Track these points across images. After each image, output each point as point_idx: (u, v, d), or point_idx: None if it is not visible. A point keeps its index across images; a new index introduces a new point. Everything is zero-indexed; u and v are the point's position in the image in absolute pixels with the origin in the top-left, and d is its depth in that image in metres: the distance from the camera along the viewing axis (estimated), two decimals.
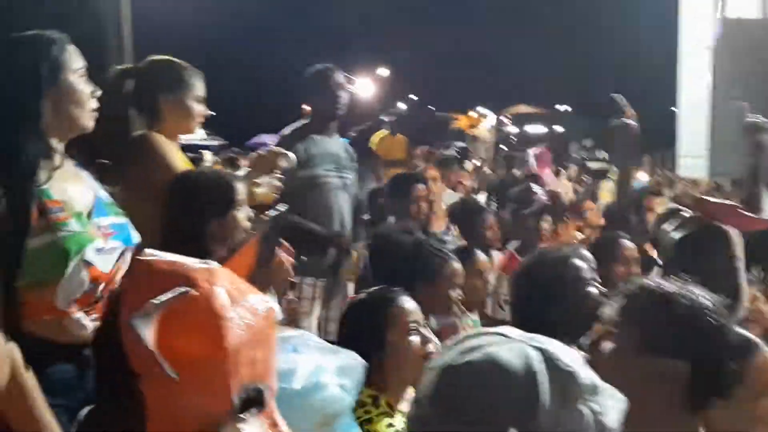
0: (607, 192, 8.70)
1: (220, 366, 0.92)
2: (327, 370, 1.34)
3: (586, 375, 0.91)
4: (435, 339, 1.98)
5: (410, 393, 1.99)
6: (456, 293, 2.60)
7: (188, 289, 0.92)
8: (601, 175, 9.74)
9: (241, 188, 2.19)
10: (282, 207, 2.24)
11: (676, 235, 2.41)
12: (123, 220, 1.89)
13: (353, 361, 1.42)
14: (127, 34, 9.11)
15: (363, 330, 1.89)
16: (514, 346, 0.90)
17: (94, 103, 1.82)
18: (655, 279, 1.45)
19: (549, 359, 0.89)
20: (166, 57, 2.58)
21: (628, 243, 3.51)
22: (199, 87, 2.55)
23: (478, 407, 0.86)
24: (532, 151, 8.64)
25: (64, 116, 1.76)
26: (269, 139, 3.32)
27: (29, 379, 1.46)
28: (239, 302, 0.96)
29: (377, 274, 2.62)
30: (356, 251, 3.68)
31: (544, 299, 2.08)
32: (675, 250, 2.40)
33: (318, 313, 3.52)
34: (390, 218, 3.90)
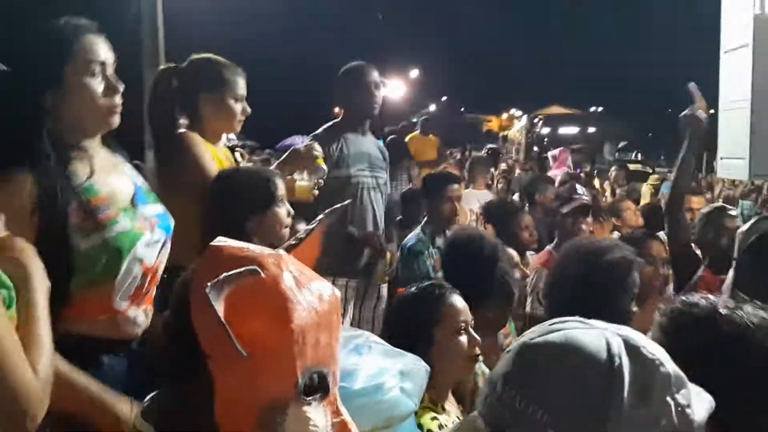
0: (645, 193, 8.62)
1: (286, 347, 0.93)
2: (389, 372, 1.33)
3: (672, 367, 0.87)
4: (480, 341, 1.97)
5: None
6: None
7: (256, 267, 0.94)
8: (639, 176, 9.62)
9: (281, 185, 2.19)
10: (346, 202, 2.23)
11: (752, 235, 2.42)
12: (161, 208, 1.87)
13: (416, 365, 1.40)
14: (161, 36, 9.28)
15: (412, 325, 1.88)
16: (596, 332, 0.87)
17: (116, 99, 1.75)
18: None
19: (632, 347, 0.86)
20: (207, 55, 2.55)
21: (656, 243, 3.47)
22: (240, 85, 2.52)
23: (554, 387, 0.83)
24: (550, 153, 8.81)
25: (76, 113, 1.69)
26: (301, 141, 3.28)
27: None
28: (305, 286, 0.98)
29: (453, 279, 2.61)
30: (389, 252, 3.66)
31: (576, 291, 2.06)
32: (753, 249, 2.39)
33: (351, 314, 3.50)
34: (423, 218, 3.88)
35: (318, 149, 2.78)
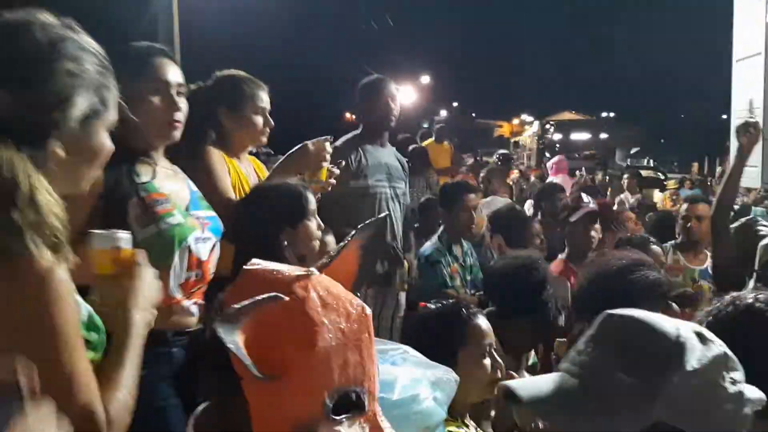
0: (663, 198, 8.64)
1: (311, 370, 0.96)
2: (423, 382, 1.36)
3: (728, 351, 1.01)
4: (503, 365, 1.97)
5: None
6: None
7: (278, 294, 0.97)
8: (651, 182, 9.61)
9: (312, 199, 2.25)
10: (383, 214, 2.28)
11: None
12: (213, 213, 2.05)
13: (447, 375, 1.43)
14: (176, 47, 9.42)
15: (435, 344, 1.82)
16: (671, 320, 1.04)
17: (176, 116, 1.95)
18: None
19: (702, 336, 1.01)
20: (231, 72, 2.62)
21: (657, 249, 3.49)
22: (261, 98, 2.58)
23: (632, 352, 1.00)
24: (551, 162, 9.03)
25: (141, 124, 1.88)
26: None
27: None
28: (332, 307, 1.00)
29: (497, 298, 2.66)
30: (407, 260, 3.70)
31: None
32: None
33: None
34: (439, 227, 3.92)
35: (328, 149, 2.68)
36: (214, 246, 1.97)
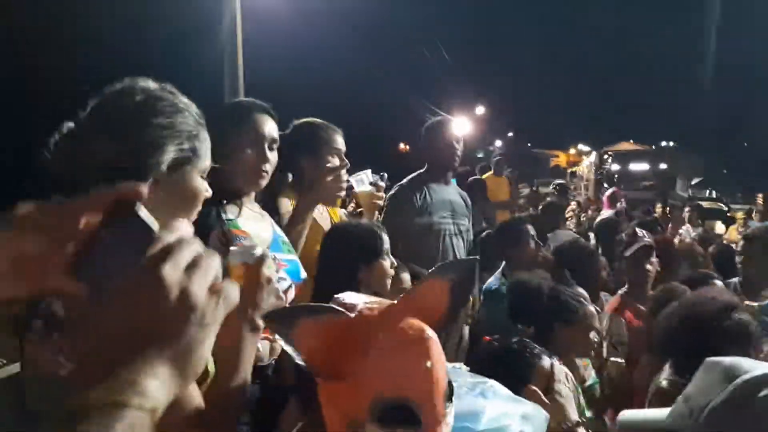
0: (730, 231, 8.47)
1: (361, 374, 1.11)
2: (512, 416, 1.42)
3: None
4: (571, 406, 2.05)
5: None
6: (593, 335, 2.74)
7: (335, 306, 1.15)
8: (714, 214, 9.35)
9: (386, 239, 2.39)
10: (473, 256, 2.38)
11: None
12: (294, 257, 2.20)
13: (537, 411, 1.49)
14: (240, 74, 9.85)
15: (500, 380, 1.88)
16: None
17: (264, 167, 2.18)
18: None
19: None
20: (308, 120, 2.85)
21: (718, 283, 3.46)
22: (337, 141, 2.79)
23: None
24: (605, 195, 9.01)
25: (233, 170, 2.10)
26: (368, 176, 3.32)
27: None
28: (389, 326, 1.13)
29: (517, 317, 2.85)
30: (471, 295, 3.80)
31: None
32: None
33: None
34: (501, 261, 3.99)
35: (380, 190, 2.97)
36: (289, 287, 2.03)
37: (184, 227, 0.79)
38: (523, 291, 2.93)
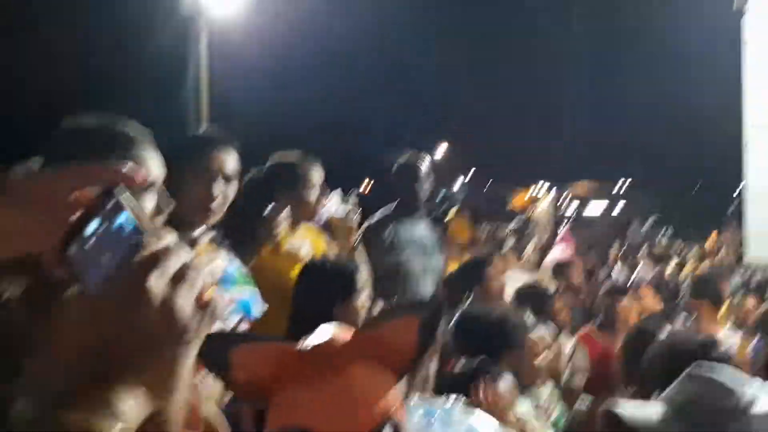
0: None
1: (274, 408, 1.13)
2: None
3: None
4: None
5: None
6: (540, 361, 2.79)
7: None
8: (664, 259, 9.53)
9: (363, 275, 2.42)
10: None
11: None
12: (249, 294, 2.16)
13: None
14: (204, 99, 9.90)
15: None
16: None
17: (212, 204, 2.15)
18: None
19: None
20: (284, 160, 2.97)
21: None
22: (314, 176, 2.90)
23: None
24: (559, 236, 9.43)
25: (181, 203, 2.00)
26: (336, 203, 3.62)
27: None
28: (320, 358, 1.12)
29: (463, 347, 2.77)
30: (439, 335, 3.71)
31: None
32: None
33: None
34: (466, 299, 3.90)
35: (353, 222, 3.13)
36: (240, 320, 2.07)
37: (170, 236, 0.71)
38: (469, 322, 2.90)
